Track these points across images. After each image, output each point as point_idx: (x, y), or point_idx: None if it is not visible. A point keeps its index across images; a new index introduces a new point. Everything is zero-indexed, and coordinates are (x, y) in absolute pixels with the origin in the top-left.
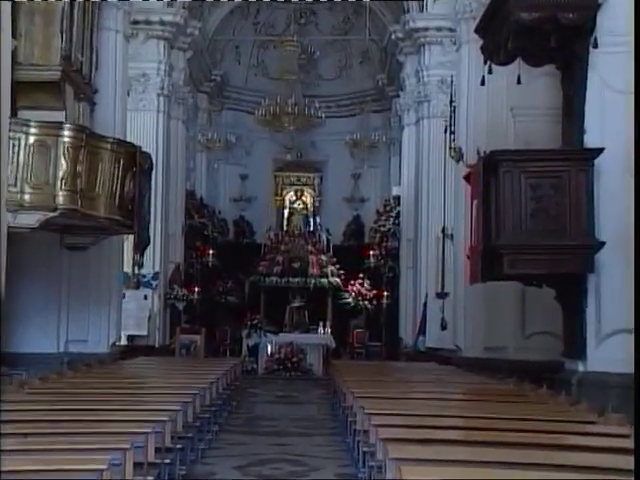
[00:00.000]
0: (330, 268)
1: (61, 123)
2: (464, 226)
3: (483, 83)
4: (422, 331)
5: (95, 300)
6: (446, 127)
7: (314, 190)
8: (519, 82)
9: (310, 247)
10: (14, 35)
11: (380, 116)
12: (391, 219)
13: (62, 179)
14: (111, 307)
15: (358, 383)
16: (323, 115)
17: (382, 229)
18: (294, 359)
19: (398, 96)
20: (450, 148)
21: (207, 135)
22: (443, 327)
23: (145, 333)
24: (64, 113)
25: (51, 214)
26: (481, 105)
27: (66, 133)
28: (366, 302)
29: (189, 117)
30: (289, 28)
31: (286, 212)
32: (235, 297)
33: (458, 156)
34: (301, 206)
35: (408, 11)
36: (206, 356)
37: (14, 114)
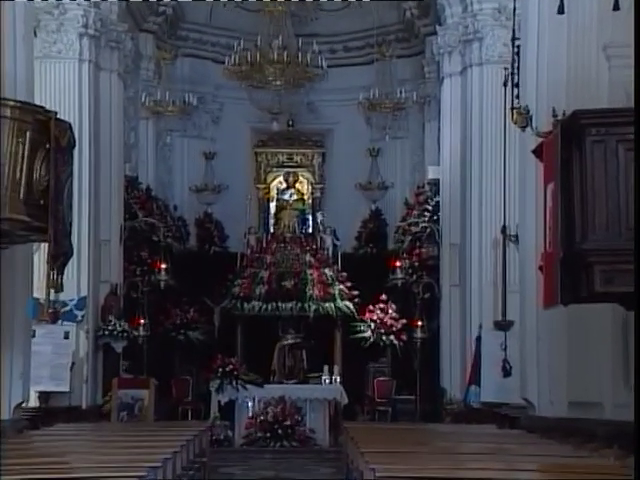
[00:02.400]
0: (338, 288)
1: None
2: (535, 223)
3: (562, 10)
4: (475, 379)
5: None
6: (506, 78)
7: (313, 174)
8: (616, 7)
9: (309, 257)
10: None
11: (408, 64)
12: (427, 215)
13: None
14: (14, 352)
15: (383, 457)
16: (325, 63)
17: (413, 229)
18: (287, 422)
19: (435, 34)
20: (512, 109)
21: (155, 95)
22: (506, 373)
23: (66, 389)
24: None
25: None
26: (559, 44)
27: None
28: (392, 337)
29: (128, 69)
30: None
31: (273, 206)
32: (200, 332)
33: (524, 120)
34: (295, 197)
35: None
36: (157, 420)
37: None
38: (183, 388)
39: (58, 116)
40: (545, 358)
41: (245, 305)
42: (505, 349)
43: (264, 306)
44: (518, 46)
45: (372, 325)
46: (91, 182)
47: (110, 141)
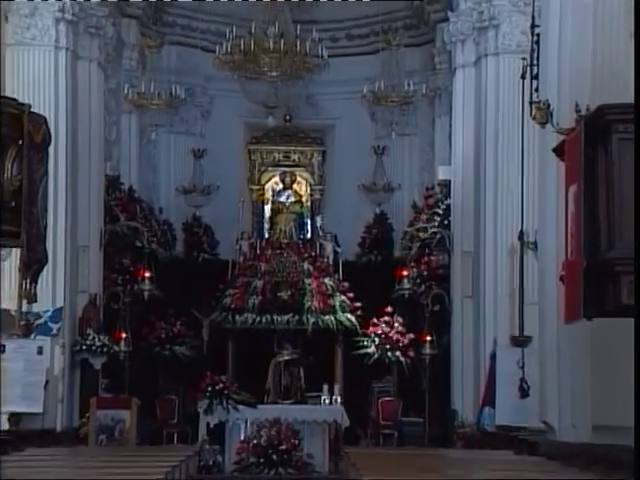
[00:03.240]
0: (339, 299)
1: None
2: (555, 229)
3: None
4: (489, 400)
5: None
6: (525, 69)
7: (313, 174)
8: None
9: (307, 265)
10: None
11: (417, 53)
12: (436, 219)
13: None
14: None
15: None
16: (325, 53)
17: (422, 235)
18: (283, 446)
19: (447, 20)
20: (531, 103)
21: (138, 87)
22: (523, 393)
23: (39, 410)
24: None
25: None
26: (583, 31)
27: None
28: (398, 353)
29: (109, 57)
30: None
31: (268, 210)
32: (187, 347)
33: (545, 116)
34: (292, 200)
35: None
36: (140, 444)
37: None
38: (168, 409)
39: (32, 109)
40: (567, 377)
41: (237, 317)
42: (522, 367)
43: (258, 319)
44: (538, 34)
45: (376, 340)
46: (68, 182)
47: (89, 137)
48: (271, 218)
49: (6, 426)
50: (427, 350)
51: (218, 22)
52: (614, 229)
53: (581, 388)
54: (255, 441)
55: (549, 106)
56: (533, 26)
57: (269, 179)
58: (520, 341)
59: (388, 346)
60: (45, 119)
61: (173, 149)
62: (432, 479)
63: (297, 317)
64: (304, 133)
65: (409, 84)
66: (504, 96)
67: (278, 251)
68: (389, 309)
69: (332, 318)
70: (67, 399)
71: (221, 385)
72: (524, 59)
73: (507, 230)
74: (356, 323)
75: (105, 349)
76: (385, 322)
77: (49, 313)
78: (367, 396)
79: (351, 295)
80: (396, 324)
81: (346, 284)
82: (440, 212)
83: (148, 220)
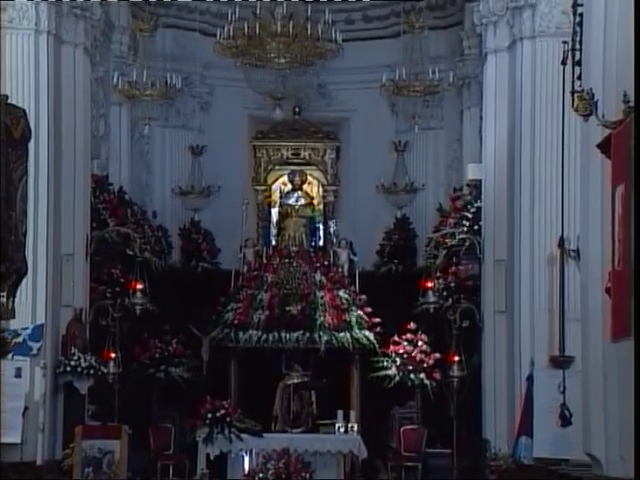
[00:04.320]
0: (356, 314)
1: None
2: (600, 235)
3: None
4: (526, 429)
5: None
6: (566, 54)
7: (325, 173)
8: None
9: (320, 276)
10: None
11: (443, 37)
12: (465, 224)
13: None
14: None
15: None
16: (340, 37)
17: (449, 242)
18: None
19: None
20: (573, 93)
21: (130, 75)
22: (565, 421)
23: (17, 440)
24: None
25: None
26: (632, 10)
27: None
28: (422, 375)
29: (96, 42)
30: None
31: (275, 213)
32: (185, 369)
33: (588, 107)
34: (302, 202)
35: None
36: (131, 477)
37: None
38: (163, 438)
39: (10, 101)
40: (614, 403)
41: (240, 335)
42: (564, 392)
43: (264, 336)
44: (581, 14)
45: (398, 361)
46: (50, 183)
47: (74, 132)
48: (279, 223)
49: None
50: (455, 372)
51: (219, 2)
52: None
53: (630, 415)
54: (261, 475)
55: (593, 96)
56: (575, 5)
57: (276, 179)
58: (561, 362)
59: (411, 367)
60: (24, 112)
61: (168, 145)
62: None
63: (308, 334)
64: (315, 127)
65: (434, 72)
66: (542, 85)
67: (286, 260)
68: (412, 326)
69: (348, 336)
70: (49, 428)
71: (223, 411)
72: (565, 43)
73: (545, 236)
74: (374, 341)
75: (92, 371)
76: (407, 340)
77: (28, 330)
78: (387, 424)
79: (369, 310)
80: (420, 342)
81: (363, 297)
82: (469, 216)
83: (140, 225)
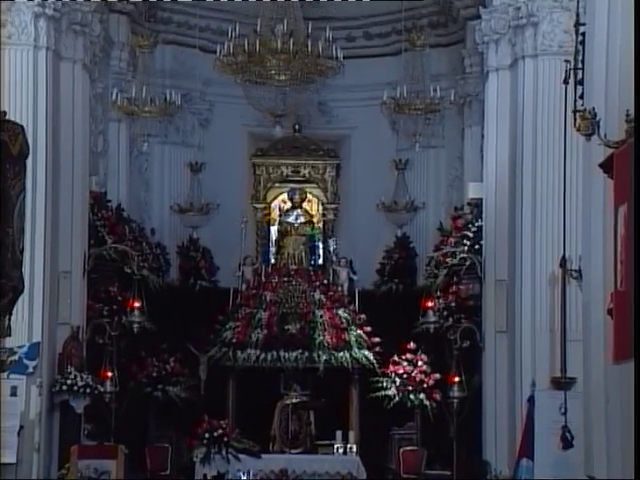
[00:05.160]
0: (355, 333)
1: None
2: (602, 255)
3: None
4: (527, 451)
5: None
6: (568, 73)
7: (325, 191)
8: None
9: (319, 295)
10: None
11: (445, 55)
12: (466, 243)
13: None
14: None
15: None
16: (340, 54)
17: (450, 261)
18: None
19: (478, 17)
20: (575, 112)
21: (129, 92)
22: (566, 443)
23: (12, 459)
24: None
25: None
26: (634, 30)
27: None
28: (422, 396)
29: (95, 58)
30: None
31: (274, 231)
32: (182, 388)
33: (590, 127)
34: (302, 220)
35: None
36: None
37: None
38: (160, 458)
39: (8, 117)
40: (616, 425)
41: (239, 354)
42: (565, 413)
43: (262, 355)
44: (583, 33)
45: (397, 381)
46: (48, 199)
47: (72, 148)
48: (278, 241)
49: None
50: (455, 393)
51: (219, 19)
52: None
53: (632, 438)
54: None
55: (595, 115)
56: (578, 24)
57: (276, 197)
58: (562, 383)
59: (411, 388)
60: (22, 128)
61: (167, 162)
62: None
63: (307, 354)
64: (316, 145)
65: (435, 90)
66: (544, 104)
67: (286, 279)
68: (412, 345)
69: (347, 355)
70: (45, 447)
71: (220, 431)
72: (567, 62)
73: (547, 256)
74: (374, 361)
75: (88, 390)
76: (407, 360)
77: (24, 349)
78: (387, 445)
79: (368, 329)
80: (420, 363)
81: (363, 317)
82: (470, 235)
83: (139, 243)
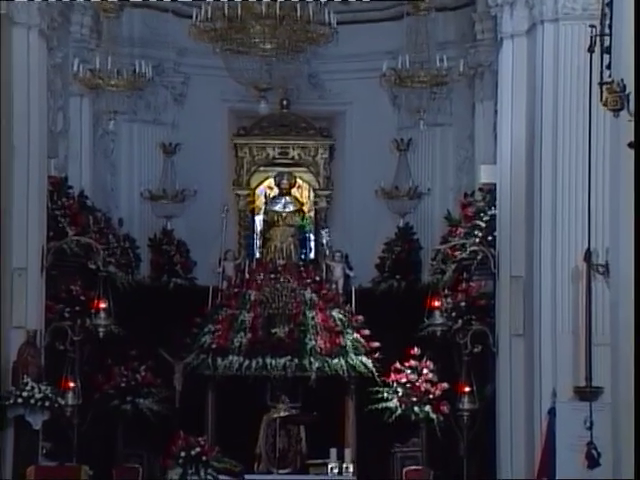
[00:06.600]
0: (352, 337)
1: None
2: (632, 248)
3: None
4: (548, 470)
5: None
6: (593, 40)
7: (317, 175)
8: None
9: (310, 294)
10: None
11: (453, 20)
12: (478, 234)
13: None
14: None
15: None
16: (334, 19)
17: (459, 255)
18: None
19: None
20: (601, 84)
21: (92, 62)
22: (592, 462)
23: None
24: None
25: None
26: None
27: None
28: (427, 408)
29: (54, 24)
30: None
31: (260, 221)
32: (154, 400)
33: (618, 101)
34: (291, 209)
35: None
36: None
37: None
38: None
39: None
40: None
41: (219, 361)
42: (591, 428)
43: (246, 363)
44: None
45: (400, 391)
46: (1, 186)
47: (28, 127)
48: (263, 233)
49: None
50: (465, 404)
51: None
52: None
53: None
54: None
55: (624, 88)
56: None
57: (261, 182)
58: (587, 393)
59: (415, 399)
60: None
61: (137, 143)
62: None
63: (297, 361)
64: (306, 123)
65: (442, 59)
66: (565, 75)
67: (272, 275)
68: (416, 351)
69: (342, 362)
70: None
71: (198, 449)
72: (592, 27)
73: (569, 249)
74: (373, 369)
75: (47, 403)
76: (411, 368)
77: None
78: (387, 464)
79: (367, 332)
80: (425, 370)
81: (360, 318)
82: (482, 225)
83: (104, 235)
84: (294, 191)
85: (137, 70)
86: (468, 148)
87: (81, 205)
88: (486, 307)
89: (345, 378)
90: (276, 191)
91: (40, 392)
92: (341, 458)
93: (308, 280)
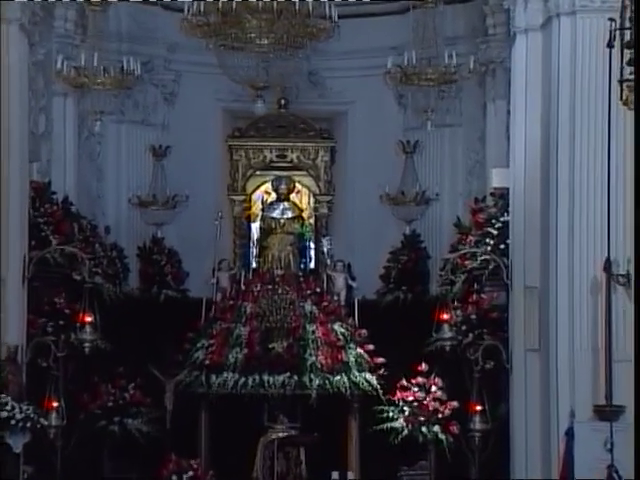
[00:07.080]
0: (355, 352)
1: None
2: None
3: None
4: None
5: None
6: (613, 35)
7: (317, 180)
8: None
9: (310, 306)
10: None
11: (462, 13)
12: (490, 242)
13: None
14: None
15: None
16: (335, 13)
17: (469, 264)
18: None
19: None
20: (622, 82)
21: (77, 59)
22: None
23: None
24: None
25: None
26: None
27: None
28: (436, 428)
29: (36, 18)
30: None
31: (256, 229)
32: (144, 421)
33: None
34: (289, 215)
35: None
36: None
37: None
38: None
39: None
40: None
41: (213, 379)
42: (611, 449)
43: (242, 380)
44: None
45: (406, 410)
46: None
47: (8, 129)
48: (260, 240)
49: None
50: (477, 424)
51: None
52: None
53: None
54: None
55: None
56: None
57: (257, 187)
58: (607, 413)
59: (423, 419)
60: None
61: (125, 146)
62: None
63: (296, 378)
64: (305, 124)
65: (451, 56)
66: (583, 72)
67: (270, 286)
68: (424, 367)
69: (344, 379)
70: None
71: (191, 473)
72: (612, 20)
73: (588, 258)
74: (377, 386)
75: (29, 424)
76: (418, 385)
77: None
78: None
79: (371, 348)
80: (433, 388)
81: (364, 332)
82: (494, 233)
83: (90, 244)
84: (293, 196)
85: (125, 67)
86: (479, 150)
87: (65, 212)
88: (499, 320)
89: (348, 396)
90: (274, 196)
91: (21, 412)
92: None
93: (308, 291)
